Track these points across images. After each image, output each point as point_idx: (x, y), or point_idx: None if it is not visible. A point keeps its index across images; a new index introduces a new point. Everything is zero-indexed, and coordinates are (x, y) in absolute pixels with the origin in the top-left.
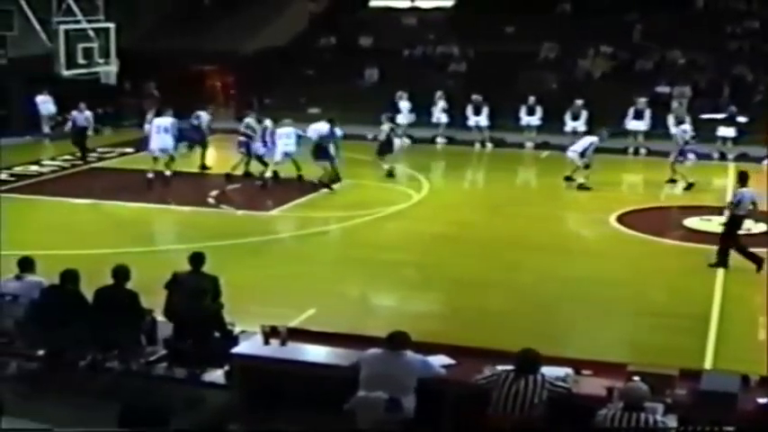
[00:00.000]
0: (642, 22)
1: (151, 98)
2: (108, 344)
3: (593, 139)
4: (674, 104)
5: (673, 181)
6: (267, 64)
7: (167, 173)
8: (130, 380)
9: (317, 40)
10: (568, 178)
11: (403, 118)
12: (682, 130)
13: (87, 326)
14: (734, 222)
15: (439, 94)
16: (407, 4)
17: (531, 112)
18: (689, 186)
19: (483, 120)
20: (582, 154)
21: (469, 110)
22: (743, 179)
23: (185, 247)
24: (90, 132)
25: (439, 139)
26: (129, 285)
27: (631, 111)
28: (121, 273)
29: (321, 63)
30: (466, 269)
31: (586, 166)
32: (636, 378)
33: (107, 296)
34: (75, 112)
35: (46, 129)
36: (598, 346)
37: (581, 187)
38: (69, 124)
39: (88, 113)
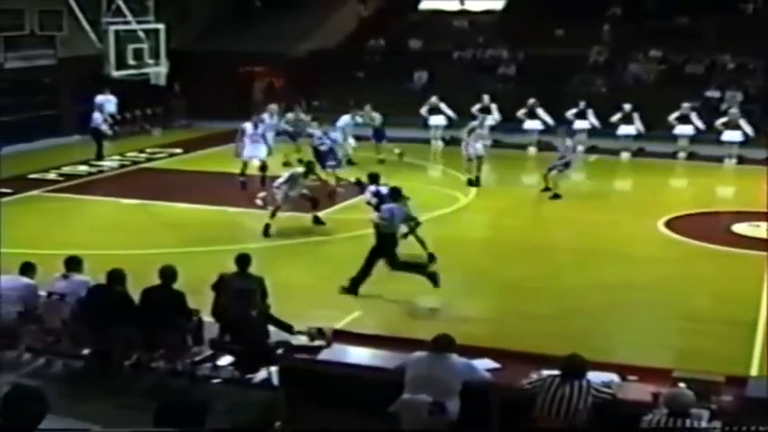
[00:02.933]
0: (692, 27)
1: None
2: (154, 344)
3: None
4: (733, 110)
5: None
6: (316, 66)
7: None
8: (176, 380)
9: (366, 42)
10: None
11: (440, 120)
12: (734, 134)
13: (133, 326)
14: None
15: (486, 97)
16: (457, 7)
17: (580, 116)
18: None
19: (537, 124)
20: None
21: (523, 113)
22: None
23: (232, 247)
24: (109, 132)
25: (486, 142)
26: (177, 285)
27: (676, 115)
28: (168, 273)
29: (370, 65)
30: (512, 274)
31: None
32: (681, 384)
33: (154, 296)
34: (96, 114)
35: (104, 128)
36: (644, 352)
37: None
38: (93, 123)
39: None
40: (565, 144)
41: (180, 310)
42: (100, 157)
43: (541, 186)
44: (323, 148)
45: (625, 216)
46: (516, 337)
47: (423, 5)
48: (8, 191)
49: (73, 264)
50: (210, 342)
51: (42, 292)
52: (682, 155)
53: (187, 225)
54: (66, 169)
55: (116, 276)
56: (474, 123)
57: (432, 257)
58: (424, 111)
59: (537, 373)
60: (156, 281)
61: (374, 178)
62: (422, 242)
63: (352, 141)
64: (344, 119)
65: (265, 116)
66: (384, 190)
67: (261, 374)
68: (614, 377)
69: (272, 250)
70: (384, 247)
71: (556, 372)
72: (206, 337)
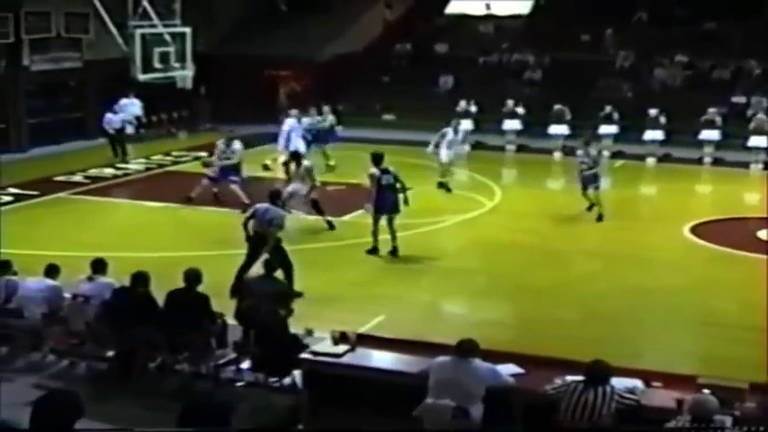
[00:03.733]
0: (719, 32)
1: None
2: (178, 346)
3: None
4: (760, 116)
5: None
6: (342, 70)
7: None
8: (199, 383)
9: (392, 46)
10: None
11: (466, 124)
12: (760, 140)
13: (157, 328)
14: None
15: (511, 102)
16: (483, 11)
17: (606, 121)
18: None
19: (563, 129)
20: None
21: (550, 118)
22: None
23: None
24: (130, 131)
25: (509, 147)
26: (201, 288)
27: (704, 119)
28: (193, 276)
29: (396, 70)
30: (536, 278)
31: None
32: (705, 390)
33: (178, 299)
34: (109, 115)
35: (129, 130)
36: (668, 358)
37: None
38: (105, 126)
39: (122, 114)
40: (589, 154)
41: (204, 312)
42: (124, 154)
43: (566, 191)
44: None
45: (650, 221)
46: (540, 341)
47: (449, 10)
48: (34, 192)
49: (98, 266)
50: (234, 345)
51: (67, 294)
52: (707, 160)
53: (212, 228)
54: (92, 171)
55: (140, 278)
56: (446, 129)
57: None
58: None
59: (561, 379)
60: (180, 283)
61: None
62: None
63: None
64: (289, 122)
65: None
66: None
67: (284, 378)
68: (638, 383)
69: (296, 254)
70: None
71: (580, 377)
72: (230, 339)
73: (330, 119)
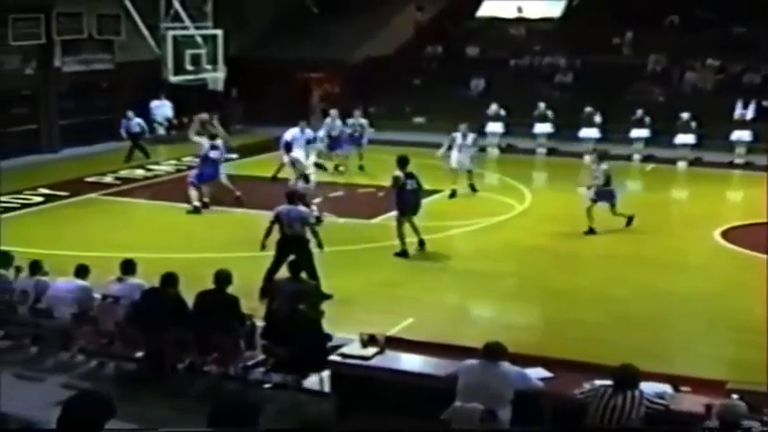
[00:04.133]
0: (750, 36)
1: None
2: (207, 347)
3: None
4: None
5: None
6: (374, 73)
7: None
8: (228, 384)
9: (423, 49)
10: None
11: (498, 128)
12: None
13: (186, 329)
14: None
15: (542, 105)
16: (515, 14)
17: (638, 125)
18: None
19: (594, 132)
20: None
21: (581, 121)
22: None
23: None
24: (147, 135)
25: (539, 150)
26: (231, 289)
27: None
28: (223, 277)
29: (427, 72)
30: (566, 282)
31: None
32: (734, 396)
33: (208, 300)
34: (124, 121)
35: (161, 132)
36: (697, 363)
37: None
38: (123, 132)
39: (139, 120)
40: (600, 170)
41: (233, 314)
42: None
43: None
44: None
45: (680, 225)
46: (568, 345)
47: (480, 12)
48: (65, 193)
49: (128, 267)
50: (263, 347)
51: (97, 295)
52: (739, 161)
53: (242, 229)
54: (122, 173)
55: (169, 279)
56: (455, 134)
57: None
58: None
59: (589, 383)
60: (210, 285)
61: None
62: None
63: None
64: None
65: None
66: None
67: (312, 380)
68: (667, 388)
69: (327, 256)
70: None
71: (608, 381)
72: (259, 341)
73: (362, 122)
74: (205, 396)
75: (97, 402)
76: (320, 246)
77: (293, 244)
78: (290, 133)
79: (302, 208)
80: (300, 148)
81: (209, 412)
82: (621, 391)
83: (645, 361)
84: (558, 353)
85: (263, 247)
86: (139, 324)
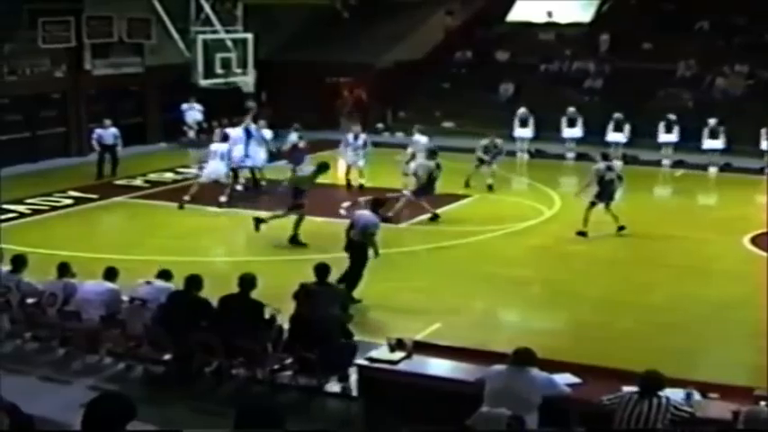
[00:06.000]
0: None
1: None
2: (234, 351)
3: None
4: None
5: None
6: (403, 77)
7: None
8: (255, 387)
9: (453, 53)
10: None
11: (527, 132)
12: None
13: (214, 332)
14: None
15: (572, 110)
16: (545, 19)
17: (668, 130)
18: None
19: (622, 137)
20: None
21: (610, 126)
22: None
23: (316, 257)
24: (119, 148)
25: (569, 155)
26: (259, 294)
27: (764, 131)
28: (247, 281)
29: (457, 77)
30: (595, 287)
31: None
32: (762, 402)
33: (232, 304)
34: (99, 130)
35: (191, 135)
36: (726, 369)
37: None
38: (94, 143)
39: (114, 129)
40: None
41: (257, 318)
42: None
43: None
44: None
45: (710, 232)
46: (597, 351)
47: (510, 17)
48: (94, 196)
49: (163, 275)
50: (291, 350)
51: (125, 297)
52: None
53: (271, 233)
54: (151, 176)
55: (193, 282)
56: (484, 142)
57: None
58: (516, 120)
59: (617, 390)
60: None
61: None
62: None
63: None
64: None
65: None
66: None
67: (339, 384)
68: (695, 394)
69: None
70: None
71: (634, 388)
72: (286, 345)
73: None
74: (232, 399)
75: (118, 404)
76: (377, 254)
77: (353, 248)
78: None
79: (370, 216)
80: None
81: (235, 415)
82: (647, 398)
83: (673, 367)
84: (586, 359)
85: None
86: (166, 327)
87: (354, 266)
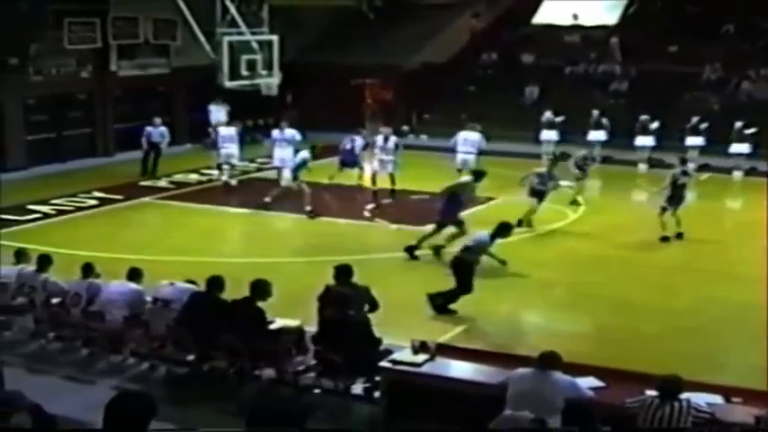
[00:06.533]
0: None
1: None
2: (258, 352)
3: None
4: None
5: None
6: (428, 79)
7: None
8: (279, 389)
9: (478, 56)
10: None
11: (552, 135)
12: None
13: (236, 333)
14: None
15: (597, 112)
16: (571, 22)
17: (693, 133)
18: None
19: (649, 140)
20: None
21: (636, 129)
22: None
23: (339, 258)
24: (163, 146)
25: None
26: (284, 295)
27: None
28: (256, 288)
29: (482, 79)
30: (620, 291)
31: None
32: None
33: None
34: (149, 127)
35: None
36: (750, 374)
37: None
38: (144, 140)
39: (163, 128)
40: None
41: (258, 325)
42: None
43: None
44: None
45: (735, 235)
46: (621, 355)
47: (536, 20)
48: (119, 197)
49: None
50: (315, 352)
51: (149, 298)
52: None
53: (294, 235)
54: (177, 177)
55: (215, 283)
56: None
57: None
58: (544, 117)
59: (640, 393)
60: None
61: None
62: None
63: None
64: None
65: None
66: None
67: (362, 386)
68: (718, 399)
69: (380, 262)
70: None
71: (656, 392)
72: (310, 347)
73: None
74: (253, 401)
75: (139, 402)
76: (503, 262)
77: (462, 266)
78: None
79: (481, 237)
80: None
81: (248, 415)
82: (668, 402)
83: (698, 372)
84: (610, 363)
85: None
86: (189, 327)
87: (461, 284)
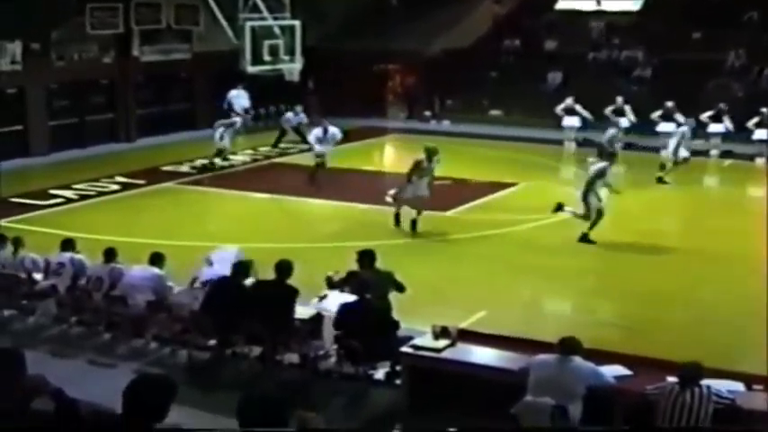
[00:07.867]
0: None
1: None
2: (279, 337)
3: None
4: None
5: None
6: (451, 65)
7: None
8: (299, 373)
9: (501, 42)
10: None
11: (574, 121)
12: None
13: (258, 318)
14: None
15: (620, 99)
16: (593, 8)
17: (716, 120)
18: None
19: (672, 127)
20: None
21: (658, 116)
22: None
23: (361, 244)
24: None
25: (616, 144)
26: (304, 280)
27: None
28: (284, 268)
29: (505, 65)
30: (643, 279)
31: (675, 163)
32: None
33: (266, 290)
34: (290, 114)
35: (238, 123)
36: None
37: (660, 181)
38: (287, 124)
39: (302, 116)
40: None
41: (290, 305)
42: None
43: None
44: None
45: (757, 223)
46: (647, 344)
47: (559, 5)
48: (141, 182)
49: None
50: (335, 338)
51: (170, 283)
52: None
53: (317, 220)
54: (198, 162)
55: (239, 268)
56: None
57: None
58: (559, 110)
59: (662, 380)
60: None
61: None
62: None
63: None
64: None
65: None
66: None
67: (383, 371)
68: (740, 386)
69: (401, 248)
70: None
71: (676, 379)
72: (331, 331)
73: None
74: (278, 386)
75: (159, 383)
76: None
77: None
78: None
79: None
80: None
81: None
82: (688, 388)
83: (722, 360)
84: (636, 350)
85: None
86: (211, 312)
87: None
